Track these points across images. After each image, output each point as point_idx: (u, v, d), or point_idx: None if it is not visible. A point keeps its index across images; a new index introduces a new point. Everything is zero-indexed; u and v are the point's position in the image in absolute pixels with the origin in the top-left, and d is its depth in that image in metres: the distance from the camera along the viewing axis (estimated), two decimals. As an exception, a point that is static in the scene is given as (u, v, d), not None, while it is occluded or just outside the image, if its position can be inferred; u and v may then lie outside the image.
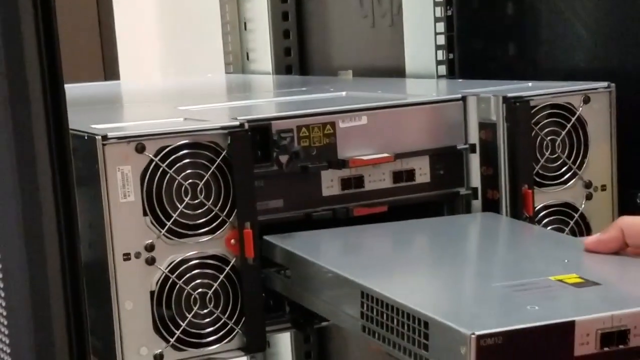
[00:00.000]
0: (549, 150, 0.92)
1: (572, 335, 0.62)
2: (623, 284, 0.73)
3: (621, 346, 0.63)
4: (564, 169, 0.93)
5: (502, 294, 0.68)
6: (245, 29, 1.70)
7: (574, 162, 0.93)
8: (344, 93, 1.09)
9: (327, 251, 0.85)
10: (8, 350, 0.63)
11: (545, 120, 0.92)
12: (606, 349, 0.63)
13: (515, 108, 0.89)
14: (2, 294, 0.63)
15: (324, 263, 0.77)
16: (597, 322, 0.63)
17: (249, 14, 1.69)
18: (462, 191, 0.94)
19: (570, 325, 0.62)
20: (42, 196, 0.64)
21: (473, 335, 0.59)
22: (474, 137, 0.93)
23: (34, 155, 0.63)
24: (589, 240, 0.75)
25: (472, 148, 0.93)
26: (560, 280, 0.70)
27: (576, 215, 0.94)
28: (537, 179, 0.92)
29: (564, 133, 0.92)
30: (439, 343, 0.62)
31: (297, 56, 1.63)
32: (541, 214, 0.93)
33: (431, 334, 0.63)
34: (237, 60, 1.73)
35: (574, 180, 0.93)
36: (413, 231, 0.89)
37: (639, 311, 0.64)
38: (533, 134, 0.91)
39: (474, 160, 0.93)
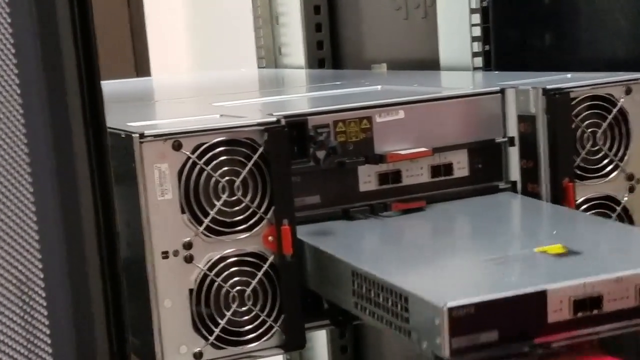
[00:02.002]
0: (590, 143, 0.91)
1: (544, 303, 0.65)
2: (605, 252, 0.75)
3: (595, 311, 0.66)
4: (605, 162, 0.91)
5: (482, 268, 0.71)
6: (277, 23, 1.70)
7: (615, 155, 0.92)
8: (379, 87, 1.08)
9: (329, 237, 0.84)
10: (50, 351, 0.63)
11: (586, 112, 0.90)
12: (580, 314, 0.65)
13: (555, 100, 0.88)
14: (44, 294, 0.63)
15: (324, 247, 0.79)
16: (569, 289, 0.65)
17: (280, 8, 1.68)
18: (501, 185, 0.93)
19: (542, 294, 0.65)
20: (81, 196, 0.63)
21: (445, 307, 0.62)
22: (512, 130, 0.92)
23: (72, 155, 0.63)
24: None
25: (511, 141, 0.92)
26: (544, 252, 0.72)
27: (618, 209, 0.92)
28: (578, 172, 0.90)
29: (605, 125, 0.91)
30: (418, 316, 0.66)
31: (329, 50, 1.62)
32: (583, 208, 0.91)
33: (411, 308, 0.67)
34: (270, 54, 1.72)
35: (615, 172, 0.92)
36: (418, 215, 0.88)
37: (612, 277, 0.66)
38: (573, 126, 0.90)
39: (513, 154, 0.92)
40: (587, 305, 0.66)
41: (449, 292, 0.66)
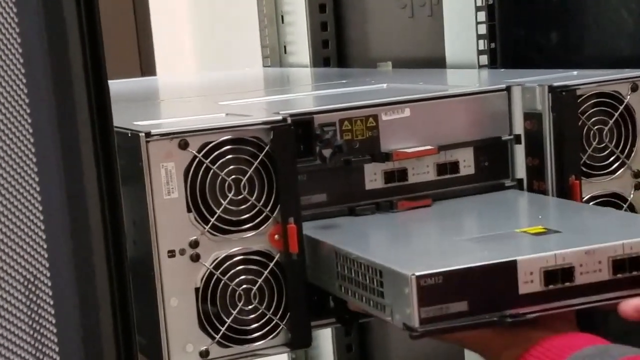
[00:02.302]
0: (596, 140, 0.90)
1: (515, 274, 0.66)
2: (583, 231, 0.75)
3: (567, 284, 0.67)
4: (611, 159, 0.91)
5: (460, 245, 0.73)
6: (283, 22, 1.70)
7: (622, 152, 0.91)
8: (384, 85, 1.08)
9: (327, 230, 0.84)
10: (57, 349, 0.63)
11: (592, 110, 0.90)
12: (551, 286, 0.66)
13: (562, 97, 0.88)
14: (50, 293, 0.63)
15: (315, 236, 0.81)
16: (540, 260, 0.66)
17: (286, 6, 1.68)
18: (507, 182, 0.93)
19: (512, 264, 0.66)
20: (88, 195, 0.63)
21: (413, 276, 0.64)
22: (519, 127, 0.92)
23: (79, 154, 0.63)
24: (625, 306, 0.69)
25: (517, 139, 0.92)
26: (524, 232, 0.74)
27: (625, 206, 0.92)
28: (585, 169, 0.90)
29: (611, 122, 0.91)
30: (390, 289, 0.67)
31: (335, 48, 1.62)
32: (589, 205, 0.91)
33: (385, 282, 0.68)
34: (275, 53, 1.72)
35: (622, 170, 0.92)
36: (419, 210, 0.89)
37: (584, 249, 0.67)
38: (580, 123, 0.89)
39: (519, 151, 0.92)
40: (559, 277, 0.67)
41: (420, 264, 0.67)
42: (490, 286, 0.66)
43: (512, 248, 0.71)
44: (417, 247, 0.78)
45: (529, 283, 0.67)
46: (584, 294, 0.68)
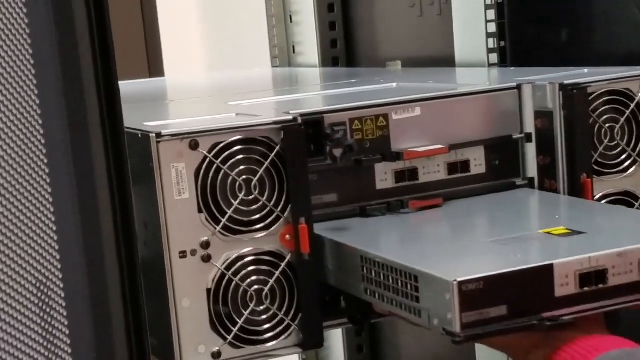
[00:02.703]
0: (608, 138, 0.90)
1: (551, 277, 0.67)
2: (608, 232, 0.77)
3: (600, 285, 0.68)
4: (623, 157, 0.91)
5: (489, 248, 0.74)
6: (291, 21, 1.69)
7: (633, 150, 0.91)
8: (394, 84, 1.08)
9: (343, 231, 0.84)
10: (69, 351, 0.63)
11: (603, 107, 0.90)
12: (586, 289, 0.68)
13: (573, 95, 0.88)
14: (62, 294, 0.63)
15: (336, 238, 0.81)
16: (575, 264, 0.68)
17: (294, 6, 1.68)
18: (519, 181, 0.93)
19: (549, 268, 0.67)
20: (99, 196, 0.63)
21: (455, 282, 0.65)
22: (529, 126, 0.91)
23: (90, 155, 0.63)
24: None
25: (528, 137, 0.92)
26: (548, 233, 0.75)
27: (637, 204, 0.91)
28: (596, 168, 0.90)
29: (622, 120, 0.90)
30: (428, 293, 0.68)
31: (343, 48, 1.62)
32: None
33: (421, 286, 0.69)
34: (283, 53, 1.72)
35: (634, 167, 0.91)
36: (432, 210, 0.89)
37: (616, 252, 0.69)
38: (591, 121, 0.89)
39: (530, 150, 0.92)
40: (593, 280, 0.68)
41: (458, 268, 0.68)
42: (528, 290, 0.67)
43: (546, 251, 0.72)
44: (446, 250, 0.77)
45: (565, 286, 0.68)
46: (616, 295, 0.69)
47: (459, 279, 0.65)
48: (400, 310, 0.72)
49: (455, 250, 0.77)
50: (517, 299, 0.67)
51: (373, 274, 0.75)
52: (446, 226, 0.86)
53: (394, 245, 0.81)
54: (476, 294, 0.66)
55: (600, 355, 0.66)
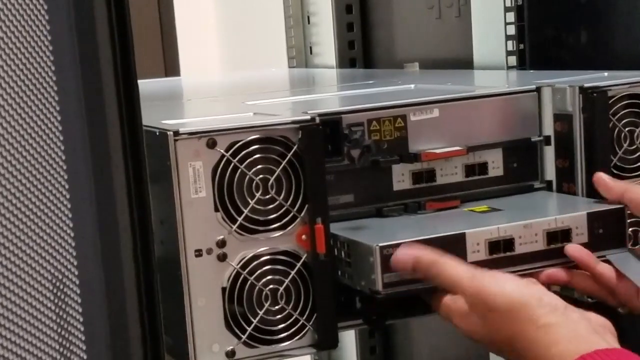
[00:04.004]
0: (627, 142, 0.89)
1: (464, 244, 0.77)
2: (522, 209, 0.85)
3: (508, 253, 0.78)
4: (643, 161, 0.90)
5: (417, 222, 0.83)
6: (309, 22, 1.69)
7: (653, 154, 0.90)
8: (412, 86, 1.07)
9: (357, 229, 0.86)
10: (84, 348, 0.63)
11: (624, 111, 0.89)
12: (495, 255, 0.78)
13: (593, 98, 0.87)
14: (78, 291, 0.62)
15: (354, 237, 0.83)
16: (485, 233, 0.78)
17: (312, 7, 1.68)
18: (537, 184, 0.92)
19: (462, 236, 0.77)
20: (116, 194, 0.63)
21: (377, 246, 0.75)
22: (548, 129, 0.91)
23: (108, 152, 0.63)
24: (600, 175, 0.83)
25: (547, 140, 0.91)
26: (471, 210, 0.86)
27: (656, 209, 0.91)
28: (615, 172, 0.89)
29: (643, 124, 0.90)
30: (358, 259, 0.78)
31: (361, 49, 1.62)
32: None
33: (352, 253, 0.79)
34: (300, 54, 1.72)
35: (654, 172, 0.90)
36: None
37: (522, 223, 0.79)
38: (611, 125, 0.88)
39: (549, 153, 0.91)
40: (501, 247, 0.78)
41: (382, 237, 0.78)
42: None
43: (463, 223, 0.81)
44: (387, 227, 0.84)
45: (476, 252, 0.78)
46: (523, 262, 0.79)
47: (380, 244, 0.75)
48: (344, 278, 0.81)
49: (393, 226, 0.84)
50: None
51: (342, 254, 0.81)
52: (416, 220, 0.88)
53: (361, 227, 0.85)
54: None
55: None
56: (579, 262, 0.80)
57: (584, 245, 0.80)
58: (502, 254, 0.78)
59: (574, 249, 0.80)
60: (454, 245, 0.77)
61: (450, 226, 0.80)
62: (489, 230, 0.78)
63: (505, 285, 0.71)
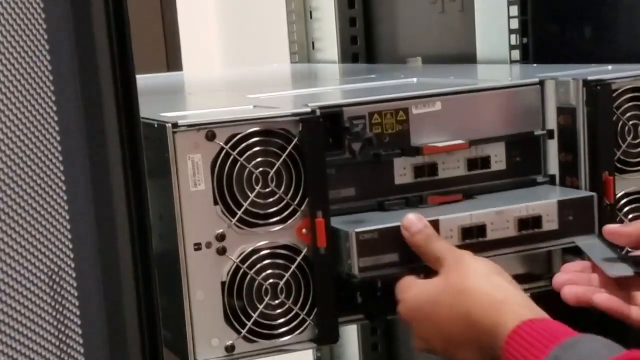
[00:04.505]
0: (631, 135, 0.89)
1: (437, 230, 0.79)
2: (496, 198, 0.87)
3: (480, 239, 0.81)
4: (647, 155, 0.89)
5: (398, 212, 0.83)
6: (311, 17, 1.69)
7: (657, 148, 0.89)
8: (414, 79, 1.07)
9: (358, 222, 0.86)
10: (81, 341, 0.62)
11: (627, 105, 0.88)
12: (467, 241, 0.81)
13: (597, 92, 0.86)
14: (75, 284, 0.62)
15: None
16: (458, 219, 0.81)
17: (314, 2, 1.67)
18: (539, 178, 0.91)
19: (435, 222, 0.80)
20: (114, 187, 0.63)
21: (353, 232, 0.78)
22: (552, 122, 0.90)
23: (105, 145, 0.62)
24: (608, 227, 0.79)
25: (550, 134, 0.90)
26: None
27: (660, 203, 0.90)
28: (619, 165, 0.88)
29: (647, 117, 0.89)
30: (338, 244, 0.80)
31: (363, 44, 1.61)
32: (622, 202, 0.89)
33: (335, 238, 0.80)
34: (302, 49, 1.71)
35: (657, 166, 0.90)
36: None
37: (494, 210, 0.82)
38: (614, 118, 0.88)
39: (552, 147, 0.90)
40: (474, 233, 0.81)
41: (360, 224, 0.80)
42: None
43: (438, 211, 0.83)
44: (373, 218, 0.84)
45: (450, 238, 0.80)
46: (495, 247, 0.82)
47: (357, 230, 0.78)
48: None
49: (376, 217, 0.84)
50: (407, 248, 0.78)
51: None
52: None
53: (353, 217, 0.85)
54: (371, 242, 0.78)
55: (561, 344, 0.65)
56: (612, 313, 0.75)
57: (554, 232, 0.83)
58: (474, 239, 0.81)
59: (602, 299, 0.75)
60: None
61: (425, 213, 0.82)
62: (461, 216, 0.80)
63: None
